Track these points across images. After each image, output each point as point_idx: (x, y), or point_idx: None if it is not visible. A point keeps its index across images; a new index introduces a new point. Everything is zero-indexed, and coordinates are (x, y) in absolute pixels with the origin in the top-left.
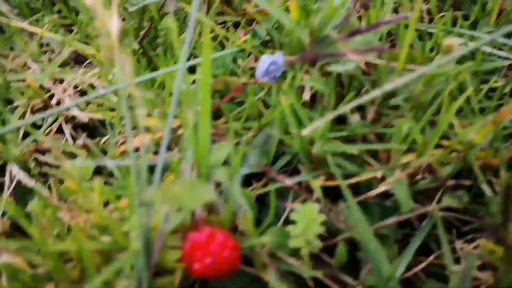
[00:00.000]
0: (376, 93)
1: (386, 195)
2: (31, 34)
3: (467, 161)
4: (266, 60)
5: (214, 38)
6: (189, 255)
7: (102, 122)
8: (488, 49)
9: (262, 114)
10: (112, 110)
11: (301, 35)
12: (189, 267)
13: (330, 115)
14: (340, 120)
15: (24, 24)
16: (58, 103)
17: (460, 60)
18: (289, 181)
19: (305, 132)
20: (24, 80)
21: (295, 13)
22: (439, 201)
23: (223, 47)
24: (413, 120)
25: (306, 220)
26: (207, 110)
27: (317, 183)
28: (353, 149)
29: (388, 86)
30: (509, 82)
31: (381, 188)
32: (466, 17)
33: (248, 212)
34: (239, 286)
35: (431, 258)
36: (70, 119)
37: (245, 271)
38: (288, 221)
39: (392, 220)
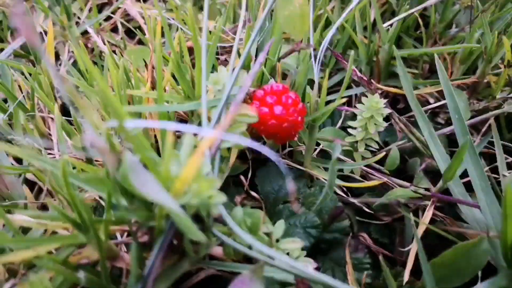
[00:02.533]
0: None
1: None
2: None
3: None
4: None
5: None
6: (262, 100)
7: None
8: None
9: None
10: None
11: None
12: (260, 115)
13: (401, 16)
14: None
15: None
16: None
17: None
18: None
19: (385, 25)
20: None
21: None
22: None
23: None
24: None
25: (373, 110)
26: None
27: (380, 87)
28: (420, 51)
29: None
30: None
31: (441, 101)
32: None
33: (315, 91)
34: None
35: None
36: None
37: (294, 167)
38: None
39: (448, 129)
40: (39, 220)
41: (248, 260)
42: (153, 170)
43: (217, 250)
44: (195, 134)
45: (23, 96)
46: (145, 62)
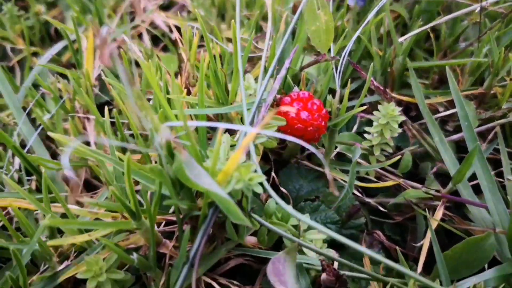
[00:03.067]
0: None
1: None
2: None
3: None
4: None
5: None
6: (285, 114)
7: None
8: None
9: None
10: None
11: None
12: (286, 119)
13: (415, 32)
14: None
15: None
16: (144, 10)
17: None
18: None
19: (400, 39)
20: None
21: None
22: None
23: None
24: (495, 41)
25: (388, 117)
26: None
27: (396, 97)
28: (431, 63)
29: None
30: None
31: (450, 110)
32: None
33: (336, 99)
34: (307, 180)
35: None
36: (151, 28)
37: (312, 168)
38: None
39: (456, 136)
40: (91, 208)
41: (277, 249)
42: (201, 165)
43: (250, 240)
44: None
45: (68, 97)
46: (179, 68)
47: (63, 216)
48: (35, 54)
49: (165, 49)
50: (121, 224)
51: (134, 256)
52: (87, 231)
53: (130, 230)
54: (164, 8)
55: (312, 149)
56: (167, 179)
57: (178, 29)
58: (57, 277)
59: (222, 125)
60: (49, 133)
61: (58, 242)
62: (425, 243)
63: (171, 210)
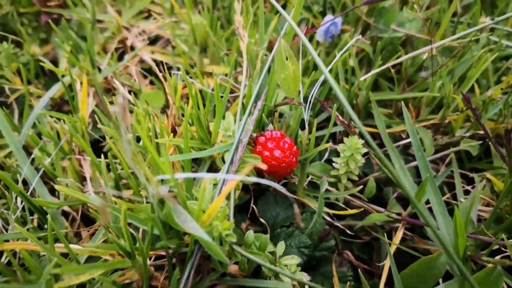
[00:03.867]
0: (415, 53)
1: (407, 147)
2: None
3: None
4: (328, 18)
5: None
6: (263, 145)
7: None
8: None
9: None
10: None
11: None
12: (262, 157)
13: (376, 70)
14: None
15: None
16: (131, 47)
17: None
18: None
19: (362, 78)
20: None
21: None
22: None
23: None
24: (448, 77)
25: (352, 149)
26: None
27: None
28: (392, 95)
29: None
30: None
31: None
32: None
33: (306, 134)
34: (283, 207)
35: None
36: (138, 63)
37: (287, 197)
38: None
39: (413, 164)
40: (91, 248)
41: (256, 275)
42: (187, 208)
43: (232, 268)
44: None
45: (65, 140)
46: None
47: (65, 255)
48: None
49: (152, 82)
50: (118, 263)
51: None
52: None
53: (125, 268)
54: (151, 42)
55: (278, 187)
56: (158, 223)
57: (163, 64)
58: None
59: (205, 175)
60: (57, 187)
61: (64, 284)
62: (387, 262)
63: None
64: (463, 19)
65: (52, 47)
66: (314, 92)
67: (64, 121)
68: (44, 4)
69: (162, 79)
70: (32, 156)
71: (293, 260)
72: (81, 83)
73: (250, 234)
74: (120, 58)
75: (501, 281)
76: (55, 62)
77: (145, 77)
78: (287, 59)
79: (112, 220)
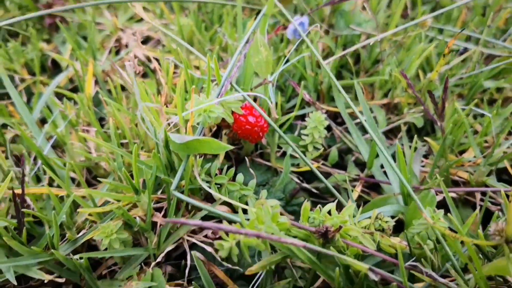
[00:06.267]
0: (365, 42)
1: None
2: None
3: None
4: (297, 19)
5: None
6: (237, 118)
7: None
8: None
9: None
10: (168, 52)
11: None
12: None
13: (336, 56)
14: (340, 78)
15: None
16: (126, 45)
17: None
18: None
19: (325, 63)
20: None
21: None
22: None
23: None
24: (396, 62)
25: (316, 122)
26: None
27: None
28: (350, 81)
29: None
30: None
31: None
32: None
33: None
34: (260, 172)
35: None
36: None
37: (263, 163)
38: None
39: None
40: (105, 192)
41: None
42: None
43: (221, 208)
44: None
45: (74, 115)
46: (158, 90)
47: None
48: (35, 82)
49: (144, 75)
50: (128, 198)
51: (137, 219)
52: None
53: (131, 203)
54: (143, 42)
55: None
56: (161, 162)
57: (155, 59)
58: (77, 241)
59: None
60: (87, 136)
61: (89, 210)
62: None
63: (159, 192)
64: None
65: (54, 46)
66: (277, 74)
67: (72, 100)
68: (49, 9)
69: (157, 70)
70: (44, 130)
71: (274, 202)
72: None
73: (239, 176)
74: (116, 54)
75: (435, 201)
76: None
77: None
78: (260, 46)
79: (121, 169)
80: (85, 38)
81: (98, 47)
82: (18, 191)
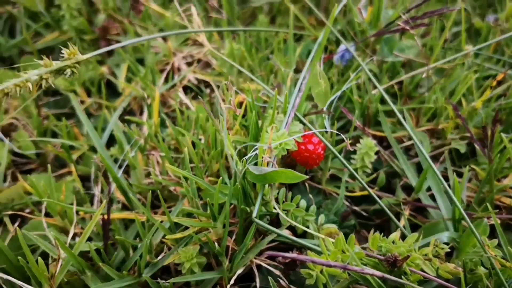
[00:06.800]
0: (414, 72)
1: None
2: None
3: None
4: (343, 47)
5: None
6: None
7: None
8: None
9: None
10: (219, 75)
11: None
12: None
13: (383, 86)
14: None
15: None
16: (178, 68)
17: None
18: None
19: (373, 92)
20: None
21: (369, 17)
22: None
23: None
24: (440, 92)
25: (367, 148)
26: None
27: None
28: (398, 107)
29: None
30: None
31: (411, 141)
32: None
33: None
34: (312, 194)
35: None
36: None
37: (314, 186)
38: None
39: (415, 159)
40: (181, 218)
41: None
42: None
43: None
44: None
45: (143, 140)
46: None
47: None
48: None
49: (194, 97)
50: (206, 224)
51: (216, 245)
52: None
53: (207, 228)
54: (189, 63)
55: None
56: (239, 191)
57: (204, 81)
58: (157, 265)
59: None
60: (168, 166)
61: (174, 236)
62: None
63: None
64: (452, 45)
65: (108, 67)
66: (335, 100)
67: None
68: (104, 32)
69: (209, 92)
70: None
71: (333, 227)
72: (147, 96)
73: (302, 202)
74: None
75: (488, 229)
76: (112, 81)
77: (187, 92)
78: (320, 78)
79: (195, 195)
80: (139, 61)
81: (156, 70)
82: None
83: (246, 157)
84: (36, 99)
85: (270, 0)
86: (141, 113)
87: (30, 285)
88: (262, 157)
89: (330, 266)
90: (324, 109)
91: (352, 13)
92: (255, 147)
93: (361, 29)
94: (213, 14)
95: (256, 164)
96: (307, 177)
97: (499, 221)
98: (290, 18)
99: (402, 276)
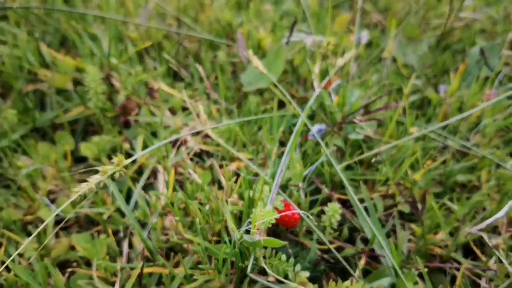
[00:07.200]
0: (371, 153)
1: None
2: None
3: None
4: (316, 127)
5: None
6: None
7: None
8: (433, 136)
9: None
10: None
11: (337, 115)
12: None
13: (347, 162)
14: (350, 167)
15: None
16: (185, 140)
17: (417, 140)
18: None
19: (339, 167)
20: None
21: (339, 101)
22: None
23: None
24: (389, 165)
25: (333, 211)
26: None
27: (336, 196)
28: (357, 175)
29: (378, 149)
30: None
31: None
32: (423, 115)
33: (304, 202)
34: (290, 245)
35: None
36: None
37: (292, 238)
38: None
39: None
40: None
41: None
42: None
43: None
44: None
45: (160, 209)
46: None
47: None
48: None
49: (197, 162)
50: (213, 276)
51: None
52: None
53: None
54: (196, 134)
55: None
56: (237, 252)
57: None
58: None
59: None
60: (186, 234)
61: (190, 285)
62: (349, 281)
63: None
64: (404, 119)
65: (125, 138)
66: (308, 175)
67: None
68: (123, 111)
69: (214, 165)
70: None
71: (305, 273)
72: (164, 169)
73: (283, 256)
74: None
75: (415, 277)
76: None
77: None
78: (296, 162)
79: (204, 253)
80: (153, 134)
81: (169, 147)
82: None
83: (241, 229)
84: (70, 168)
85: (259, 87)
86: (155, 177)
87: None
88: (255, 228)
89: None
90: (300, 184)
91: (323, 97)
92: (248, 220)
93: (330, 111)
94: (211, 92)
95: (249, 231)
96: (286, 243)
97: (426, 270)
98: (275, 103)
99: None
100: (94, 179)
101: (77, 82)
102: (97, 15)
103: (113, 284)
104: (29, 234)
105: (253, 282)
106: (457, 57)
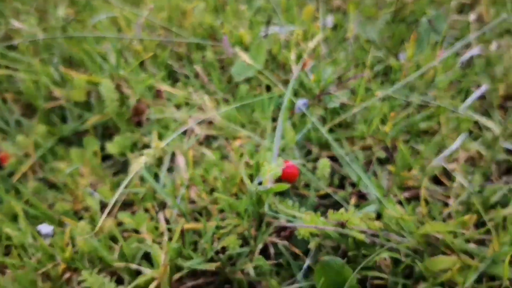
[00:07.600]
0: (347, 115)
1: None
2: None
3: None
4: (300, 102)
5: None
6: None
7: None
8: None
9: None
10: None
11: (315, 90)
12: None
13: (329, 125)
14: (332, 130)
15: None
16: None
17: (384, 100)
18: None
19: (324, 129)
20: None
21: (315, 78)
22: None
23: None
24: (364, 124)
25: (323, 165)
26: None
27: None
28: (339, 135)
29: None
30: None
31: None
32: (388, 80)
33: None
34: (294, 197)
35: None
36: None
37: (294, 192)
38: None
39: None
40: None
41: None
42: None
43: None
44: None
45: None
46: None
47: None
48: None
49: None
50: (239, 221)
51: (246, 232)
52: None
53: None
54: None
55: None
56: (254, 201)
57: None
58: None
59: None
60: (218, 195)
61: (223, 231)
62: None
63: None
64: (373, 84)
65: (140, 134)
66: (299, 138)
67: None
68: (136, 112)
69: (221, 144)
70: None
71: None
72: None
73: (289, 201)
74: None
75: (394, 203)
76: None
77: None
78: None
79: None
80: (163, 128)
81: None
82: None
83: (256, 182)
84: (101, 165)
85: (248, 76)
86: (172, 162)
87: None
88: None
89: (308, 227)
90: (293, 146)
91: (302, 77)
92: (258, 176)
93: (309, 87)
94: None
95: (261, 183)
96: (289, 186)
97: (404, 195)
98: (263, 87)
99: (348, 230)
100: (142, 160)
101: (89, 94)
102: (99, 36)
103: (159, 243)
104: (80, 219)
105: (269, 224)
106: (412, 28)
